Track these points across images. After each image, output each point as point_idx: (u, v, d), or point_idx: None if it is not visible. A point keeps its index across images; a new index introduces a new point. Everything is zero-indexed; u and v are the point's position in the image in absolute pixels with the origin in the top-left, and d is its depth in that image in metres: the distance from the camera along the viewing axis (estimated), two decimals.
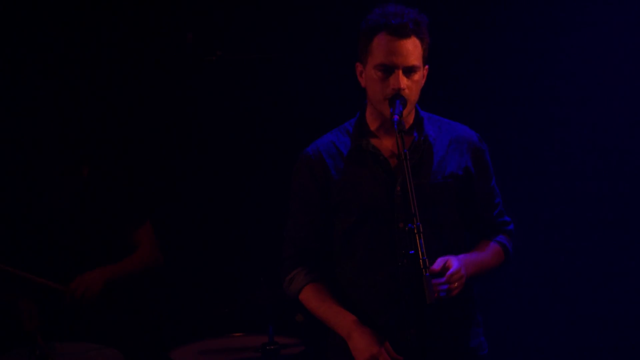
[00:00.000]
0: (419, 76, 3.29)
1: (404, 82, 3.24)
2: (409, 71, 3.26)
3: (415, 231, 3.04)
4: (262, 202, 4.99)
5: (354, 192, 3.34)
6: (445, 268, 3.14)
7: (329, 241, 3.40)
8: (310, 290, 3.36)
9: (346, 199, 3.34)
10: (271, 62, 4.99)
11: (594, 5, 4.82)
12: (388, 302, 3.30)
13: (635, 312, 4.88)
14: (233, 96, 5.04)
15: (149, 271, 4.35)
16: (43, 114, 4.28)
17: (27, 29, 4.87)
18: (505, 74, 4.92)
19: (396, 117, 3.19)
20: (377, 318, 3.31)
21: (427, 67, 3.33)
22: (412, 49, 3.25)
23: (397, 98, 3.23)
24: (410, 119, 3.37)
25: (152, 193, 4.68)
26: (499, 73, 4.92)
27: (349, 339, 3.25)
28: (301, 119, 4.95)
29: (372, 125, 3.39)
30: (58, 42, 4.89)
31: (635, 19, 4.81)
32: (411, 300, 3.26)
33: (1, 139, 4.62)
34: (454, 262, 3.16)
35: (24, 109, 4.49)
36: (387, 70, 3.25)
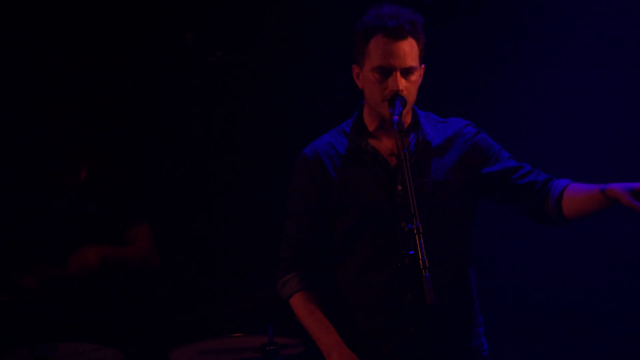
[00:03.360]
0: (417, 76, 3.29)
1: (402, 83, 3.24)
2: (406, 72, 3.25)
3: (415, 231, 3.02)
4: (262, 202, 4.99)
5: (354, 193, 3.34)
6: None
7: (327, 242, 3.40)
8: (300, 297, 3.36)
9: (346, 200, 3.34)
10: (271, 62, 4.99)
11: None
12: (389, 303, 3.30)
13: (637, 312, 4.88)
14: (233, 96, 5.04)
15: (144, 270, 4.34)
16: (43, 113, 4.28)
17: (27, 29, 4.87)
18: (501, 71, 4.92)
19: (396, 117, 3.19)
20: (378, 318, 3.31)
21: (423, 66, 3.32)
22: (409, 50, 3.25)
23: (396, 98, 3.23)
24: (408, 119, 3.37)
25: (152, 193, 4.68)
26: (494, 70, 4.92)
27: (329, 358, 3.25)
28: (301, 119, 4.95)
29: (371, 126, 3.38)
30: (57, 43, 4.89)
31: (631, 14, 4.82)
32: (411, 301, 3.26)
33: (1, 137, 4.62)
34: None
35: (24, 108, 4.49)
36: (385, 72, 3.24)
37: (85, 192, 4.29)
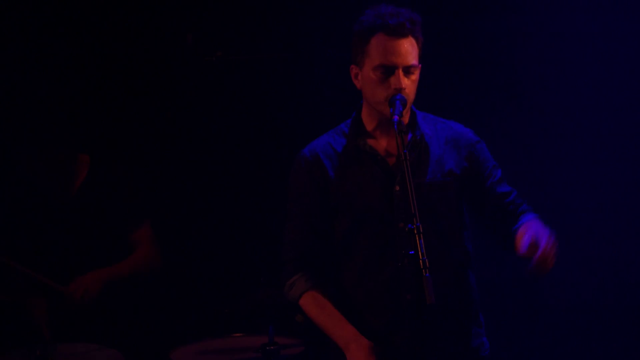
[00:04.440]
0: (417, 75, 3.29)
1: (404, 81, 3.24)
2: (408, 70, 3.25)
3: (415, 232, 3.01)
4: (262, 202, 4.99)
5: (352, 192, 3.34)
6: (534, 245, 3.10)
7: (329, 242, 3.39)
8: (310, 297, 3.35)
9: (345, 200, 3.34)
10: (271, 62, 4.99)
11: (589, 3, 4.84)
12: (389, 303, 3.30)
13: (638, 312, 4.88)
14: (233, 96, 5.04)
15: (148, 273, 4.35)
16: (42, 115, 4.28)
17: (27, 29, 4.87)
18: (498, 71, 4.92)
19: (396, 117, 3.18)
20: (378, 318, 3.30)
21: (420, 65, 3.33)
22: (411, 49, 3.26)
23: (397, 99, 3.23)
24: (406, 119, 3.37)
25: (152, 193, 4.67)
26: (492, 70, 4.93)
27: (347, 350, 3.24)
28: (301, 119, 4.95)
29: (369, 125, 3.39)
30: (58, 42, 4.89)
31: (629, 15, 4.82)
32: (411, 301, 3.26)
33: (4, 140, 4.62)
34: (539, 233, 3.12)
35: (24, 110, 4.50)
36: (387, 70, 3.24)
37: (85, 194, 4.29)
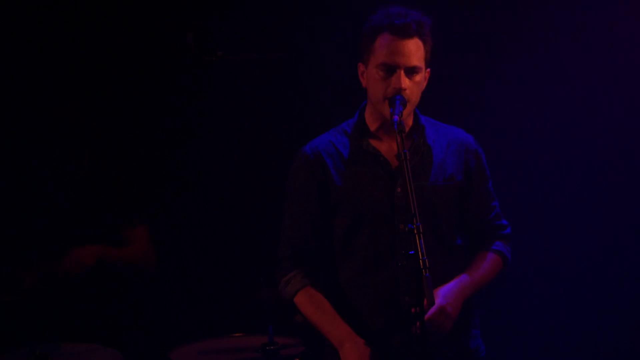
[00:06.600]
0: (421, 78, 3.29)
1: (405, 82, 3.25)
2: (410, 72, 3.26)
3: (415, 231, 3.01)
4: (262, 201, 4.99)
5: (353, 192, 3.34)
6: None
7: (327, 241, 3.39)
8: (305, 294, 3.36)
9: (346, 200, 3.34)
10: (271, 62, 4.99)
11: (588, 6, 4.83)
12: (387, 304, 3.30)
13: (636, 314, 4.88)
14: (233, 96, 5.04)
15: (140, 271, 4.34)
16: (44, 111, 4.29)
17: (29, 28, 4.87)
18: (501, 76, 4.92)
19: (396, 117, 3.19)
20: (376, 319, 3.31)
21: (429, 70, 3.33)
22: (415, 50, 3.26)
23: (397, 98, 3.23)
24: (409, 122, 3.37)
25: (151, 193, 4.67)
26: (494, 75, 4.92)
27: (341, 348, 3.25)
28: (300, 119, 4.95)
29: (372, 126, 3.39)
30: (59, 42, 4.89)
31: (630, 20, 4.82)
32: (409, 302, 3.25)
33: (4, 138, 4.63)
34: (436, 300, 3.16)
35: (24, 109, 4.50)
36: (389, 70, 3.25)
37: (85, 190, 4.29)
